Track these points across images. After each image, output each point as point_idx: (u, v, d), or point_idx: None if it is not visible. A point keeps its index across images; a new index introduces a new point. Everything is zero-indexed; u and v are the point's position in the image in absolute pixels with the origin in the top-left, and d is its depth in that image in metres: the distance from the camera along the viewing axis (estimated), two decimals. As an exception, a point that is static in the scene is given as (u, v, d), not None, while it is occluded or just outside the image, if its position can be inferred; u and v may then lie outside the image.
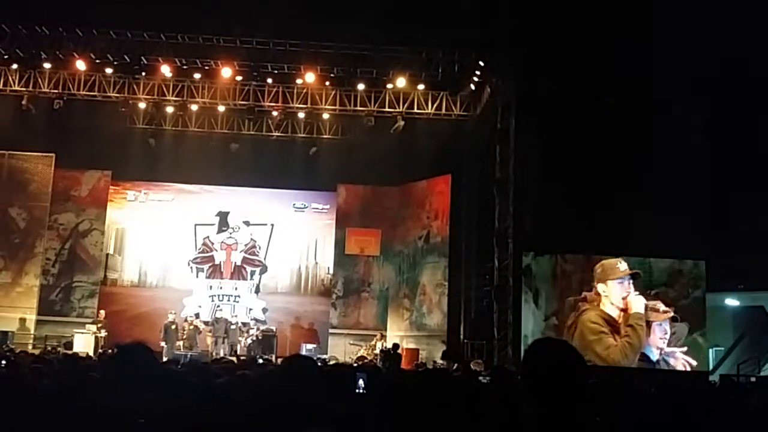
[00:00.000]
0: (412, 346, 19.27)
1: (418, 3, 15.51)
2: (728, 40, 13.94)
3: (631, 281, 15.15)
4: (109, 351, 16.22)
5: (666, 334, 14.95)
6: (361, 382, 4.74)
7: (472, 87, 18.05)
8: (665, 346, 14.96)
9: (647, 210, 15.44)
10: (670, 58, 14.75)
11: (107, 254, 20.88)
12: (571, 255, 15.95)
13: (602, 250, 16.12)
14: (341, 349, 19.25)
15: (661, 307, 15.01)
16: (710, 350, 16.31)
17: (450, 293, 19.33)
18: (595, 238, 15.90)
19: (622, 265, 15.22)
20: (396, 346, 17.38)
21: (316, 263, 21.47)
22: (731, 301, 17.09)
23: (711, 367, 15.95)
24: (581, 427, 2.40)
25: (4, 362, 7.58)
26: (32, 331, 19.03)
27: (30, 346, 17.62)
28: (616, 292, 15.10)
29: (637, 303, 14.98)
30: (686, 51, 14.54)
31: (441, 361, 17.74)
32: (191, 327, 19.14)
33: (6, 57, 17.65)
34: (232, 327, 19.23)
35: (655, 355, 14.87)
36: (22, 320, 18.94)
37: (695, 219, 15.34)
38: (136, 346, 3.37)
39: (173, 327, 18.68)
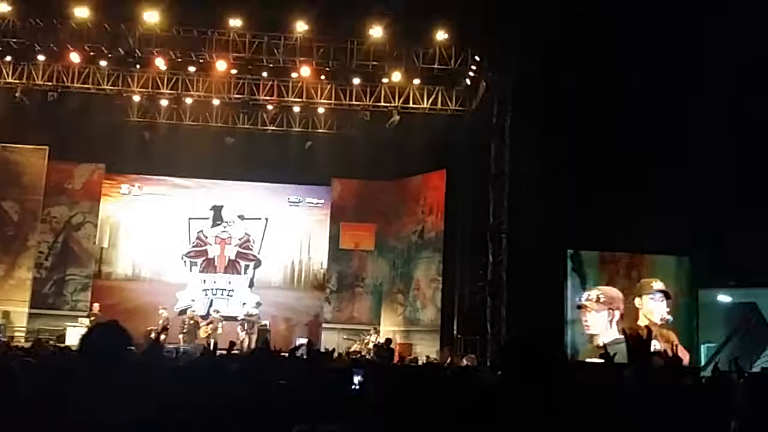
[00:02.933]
0: (405, 341, 19.29)
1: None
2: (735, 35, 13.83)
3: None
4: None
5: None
6: (357, 378, 4.73)
7: (468, 81, 18.03)
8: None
9: (642, 206, 15.43)
10: (673, 49, 14.65)
11: (102, 248, 20.82)
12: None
13: (603, 246, 16.24)
14: (335, 344, 19.19)
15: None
16: (702, 346, 16.37)
17: (444, 288, 19.35)
18: (589, 234, 15.91)
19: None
20: (389, 341, 17.37)
21: (310, 258, 21.45)
22: (723, 298, 17.12)
23: (702, 363, 16.00)
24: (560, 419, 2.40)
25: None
26: (25, 324, 18.97)
27: (22, 340, 17.58)
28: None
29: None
30: (688, 45, 14.46)
31: (434, 357, 17.79)
32: (191, 321, 19.08)
33: (0, 49, 17.54)
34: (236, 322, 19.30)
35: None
36: (6, 313, 18.84)
37: (688, 215, 15.33)
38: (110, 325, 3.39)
39: (166, 324, 18.60)
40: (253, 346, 17.90)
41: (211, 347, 14.70)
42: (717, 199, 15.06)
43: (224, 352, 13.39)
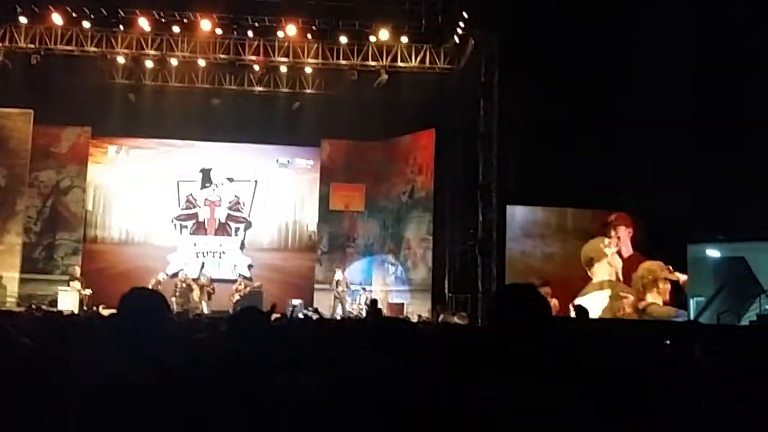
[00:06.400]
0: (397, 301, 19.39)
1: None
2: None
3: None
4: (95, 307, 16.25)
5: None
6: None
7: (456, 39, 17.83)
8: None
9: (633, 162, 15.43)
10: (666, 8, 14.50)
11: (90, 211, 20.73)
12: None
13: (589, 203, 16.24)
14: (327, 304, 19.29)
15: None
16: (691, 300, 16.51)
17: (435, 248, 19.40)
18: (581, 190, 15.91)
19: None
20: (374, 301, 17.45)
21: (301, 219, 21.43)
22: (712, 252, 17.23)
23: (692, 317, 16.16)
24: (547, 373, 2.39)
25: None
26: (16, 290, 18.95)
27: (15, 305, 17.59)
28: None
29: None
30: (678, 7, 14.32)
31: (426, 316, 17.90)
32: (184, 285, 19.05)
33: (-20, 12, 17.25)
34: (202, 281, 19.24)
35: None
36: (-1, 278, 18.83)
37: (680, 171, 15.34)
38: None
39: (159, 287, 18.59)
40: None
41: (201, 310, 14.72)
42: (706, 154, 15.08)
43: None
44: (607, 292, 16.02)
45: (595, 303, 15.48)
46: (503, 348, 2.47)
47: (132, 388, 2.86)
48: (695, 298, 16.76)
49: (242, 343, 3.76)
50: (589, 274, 16.02)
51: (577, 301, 15.12)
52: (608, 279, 16.17)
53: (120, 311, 3.42)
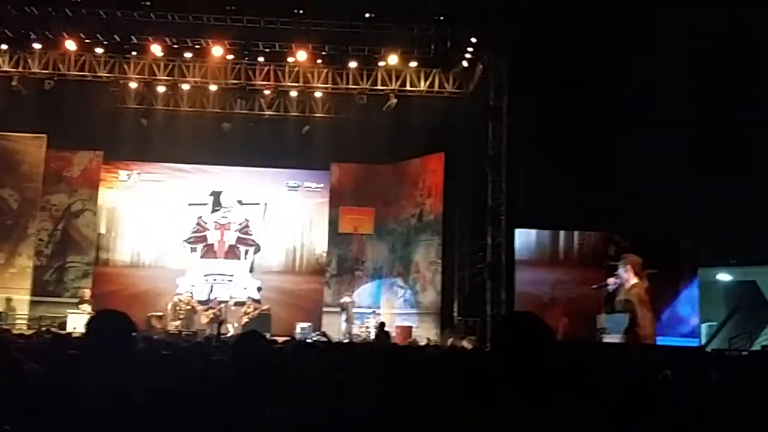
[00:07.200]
0: (405, 323, 19.35)
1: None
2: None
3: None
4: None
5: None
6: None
7: (465, 64, 17.95)
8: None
9: (639, 186, 15.44)
10: (669, 32, 14.58)
11: (101, 234, 20.84)
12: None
13: (597, 226, 16.24)
14: (335, 327, 19.29)
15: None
16: (703, 325, 16.41)
17: (444, 271, 19.38)
18: (589, 214, 15.92)
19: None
20: (382, 324, 17.44)
21: (310, 242, 21.47)
22: (723, 276, 17.15)
23: (704, 341, 16.06)
24: (552, 397, 2.40)
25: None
26: (27, 312, 19.04)
27: (25, 327, 17.66)
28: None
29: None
30: (685, 23, 14.40)
31: (434, 339, 17.85)
32: (188, 307, 19.12)
33: (-6, 38, 17.50)
34: (232, 308, 19.27)
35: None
36: (8, 300, 18.86)
37: (688, 194, 15.33)
38: (112, 314, 3.45)
39: (175, 309, 18.77)
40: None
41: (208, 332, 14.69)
42: (717, 177, 15.06)
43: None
44: (628, 315, 16.00)
45: (618, 323, 15.57)
46: (505, 373, 2.49)
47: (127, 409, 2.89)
48: (706, 323, 16.65)
49: (246, 366, 3.78)
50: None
51: (602, 317, 15.34)
52: (630, 299, 16.20)
53: (85, 334, 3.47)
